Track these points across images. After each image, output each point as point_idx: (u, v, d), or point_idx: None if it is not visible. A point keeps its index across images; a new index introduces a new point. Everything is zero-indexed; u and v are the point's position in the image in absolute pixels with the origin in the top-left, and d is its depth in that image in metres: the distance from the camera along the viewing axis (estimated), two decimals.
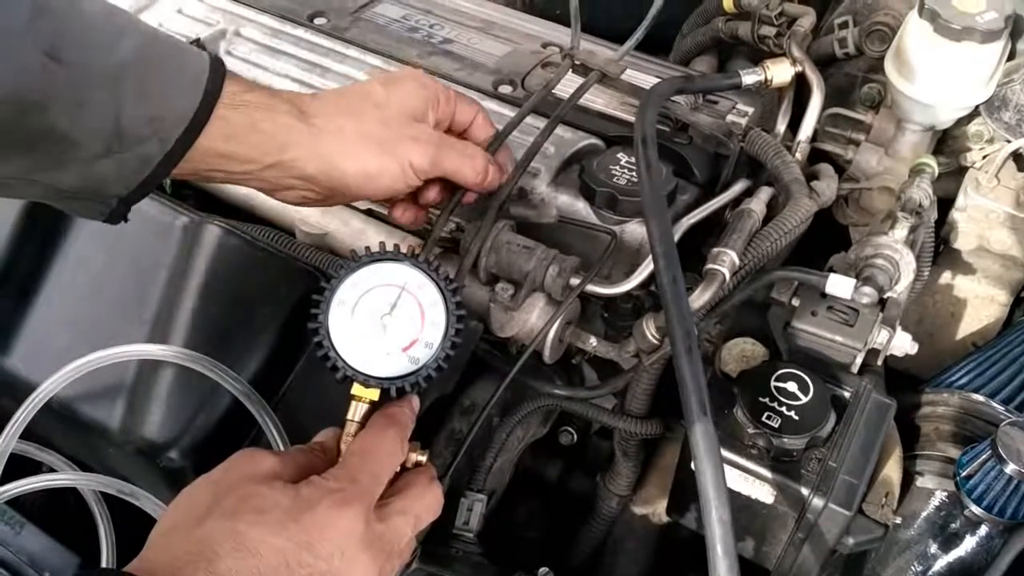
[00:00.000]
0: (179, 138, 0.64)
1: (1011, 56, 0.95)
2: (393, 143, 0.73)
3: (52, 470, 0.84)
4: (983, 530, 0.77)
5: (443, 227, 0.80)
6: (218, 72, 0.67)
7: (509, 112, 0.96)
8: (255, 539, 0.55)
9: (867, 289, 0.78)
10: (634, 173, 0.87)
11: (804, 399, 0.76)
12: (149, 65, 0.64)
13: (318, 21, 1.09)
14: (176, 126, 0.64)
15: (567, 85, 0.95)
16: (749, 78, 0.94)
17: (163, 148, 0.64)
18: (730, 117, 0.97)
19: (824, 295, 0.80)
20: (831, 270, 0.82)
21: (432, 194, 0.79)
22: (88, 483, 0.82)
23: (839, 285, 0.78)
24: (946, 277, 1.04)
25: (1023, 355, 0.89)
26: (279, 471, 0.60)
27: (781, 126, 0.97)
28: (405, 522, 0.63)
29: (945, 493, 0.79)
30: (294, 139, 0.70)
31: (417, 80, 0.77)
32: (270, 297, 0.80)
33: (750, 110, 0.99)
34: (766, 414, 0.75)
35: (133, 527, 0.77)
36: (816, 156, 0.99)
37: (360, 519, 0.58)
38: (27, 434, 0.77)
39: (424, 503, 0.65)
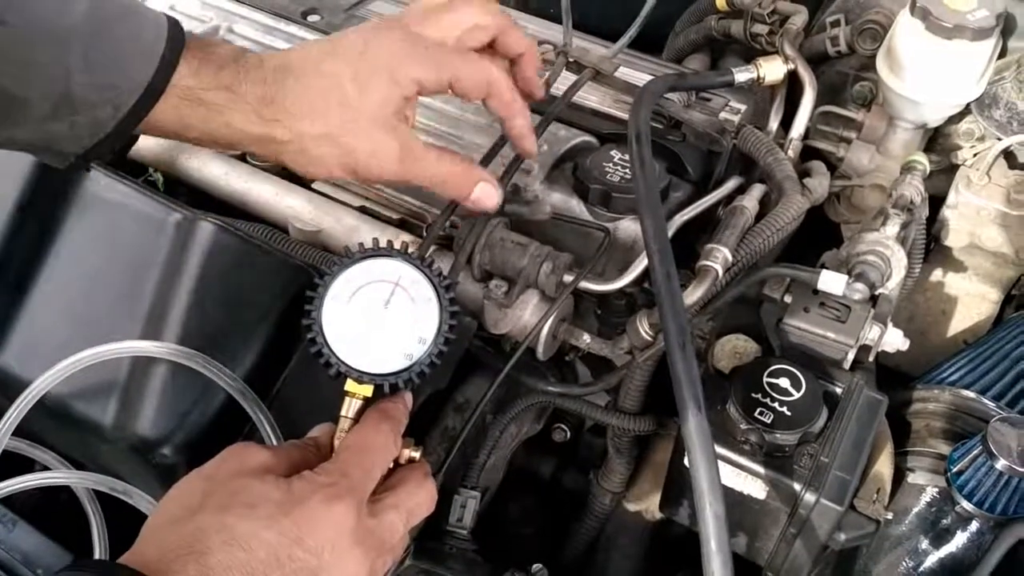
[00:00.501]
0: (132, 107, 0.64)
1: (1002, 54, 0.96)
2: (346, 154, 0.69)
3: (45, 468, 0.84)
4: (974, 526, 0.78)
5: (442, 226, 0.80)
6: (176, 39, 0.65)
7: None
8: (246, 533, 0.55)
9: (859, 285, 0.79)
10: (627, 170, 0.87)
11: (796, 395, 0.77)
12: (101, 29, 0.63)
13: (311, 18, 1.08)
14: (131, 95, 0.64)
15: (561, 82, 0.95)
16: (742, 76, 0.94)
17: (117, 114, 0.64)
18: (723, 115, 0.97)
19: (816, 291, 0.81)
20: (823, 267, 0.83)
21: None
22: (81, 481, 0.81)
23: (831, 281, 0.79)
24: (937, 274, 1.04)
25: (1014, 352, 0.90)
26: (271, 465, 0.60)
27: (773, 124, 0.97)
28: (398, 517, 0.63)
29: (936, 489, 0.80)
30: (249, 142, 0.69)
31: (393, 77, 0.68)
32: (264, 294, 0.80)
33: (743, 108, 0.99)
34: (758, 410, 0.76)
35: (126, 524, 0.77)
36: (808, 153, 0.99)
37: (351, 514, 0.58)
38: (20, 431, 0.77)
39: (417, 499, 0.65)
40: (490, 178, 0.75)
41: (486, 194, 0.75)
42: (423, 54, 0.70)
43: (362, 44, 0.69)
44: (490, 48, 0.76)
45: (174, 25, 0.66)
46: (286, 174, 0.97)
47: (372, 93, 0.68)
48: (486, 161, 0.83)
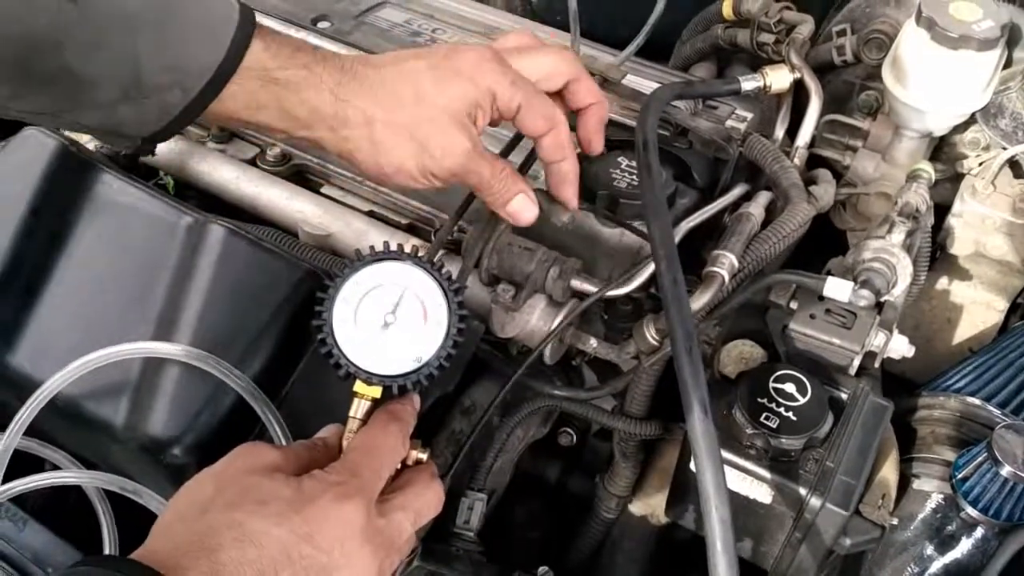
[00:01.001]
0: (201, 90, 0.64)
1: (1007, 64, 0.96)
2: (419, 147, 0.70)
3: (55, 467, 0.84)
4: (979, 532, 0.78)
5: (451, 230, 0.80)
6: (247, 23, 0.66)
7: None
8: (257, 530, 0.55)
9: (864, 292, 0.79)
10: (634, 176, 0.88)
11: (802, 400, 0.77)
12: (169, 12, 0.64)
13: (321, 25, 1.09)
14: (199, 78, 0.64)
15: None
16: (748, 84, 0.95)
17: (185, 98, 0.64)
18: (729, 122, 0.98)
19: (822, 298, 0.81)
20: (829, 273, 0.83)
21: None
22: (92, 481, 0.82)
23: (837, 288, 0.79)
24: (943, 283, 1.05)
25: (1019, 359, 0.90)
26: (281, 464, 0.61)
27: (780, 132, 0.98)
28: (405, 517, 0.63)
29: (941, 495, 0.80)
30: (319, 123, 0.70)
31: (472, 80, 0.70)
32: (273, 296, 0.81)
33: (749, 116, 1.00)
34: (764, 415, 0.76)
35: (135, 524, 0.77)
36: (814, 161, 1.00)
37: (361, 513, 0.59)
38: (32, 431, 0.77)
39: (425, 499, 0.66)
40: (530, 191, 0.77)
41: (524, 206, 0.77)
42: (504, 71, 0.72)
43: (448, 49, 0.73)
44: (559, 95, 0.79)
45: (245, 9, 0.67)
46: (296, 178, 0.98)
47: (449, 90, 0.70)
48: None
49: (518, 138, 0.86)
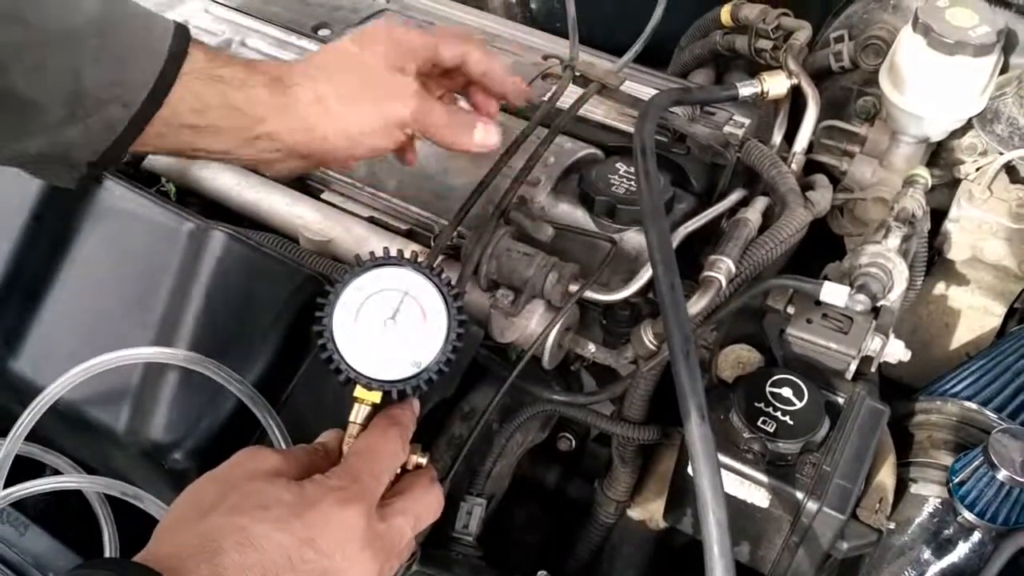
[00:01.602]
0: (143, 103, 0.64)
1: (1004, 70, 0.97)
2: (372, 101, 0.73)
3: (56, 471, 0.85)
4: (976, 536, 0.78)
5: (450, 236, 0.81)
6: (182, 37, 0.67)
7: (510, 121, 0.97)
8: (259, 534, 0.55)
9: (861, 297, 0.80)
10: (632, 182, 0.88)
11: (799, 404, 0.77)
12: (110, 27, 0.64)
13: (322, 32, 1.10)
14: (140, 90, 0.64)
15: (567, 96, 0.96)
16: (746, 90, 0.95)
17: (128, 112, 0.64)
18: (727, 128, 0.99)
19: (819, 303, 0.82)
20: (826, 278, 0.83)
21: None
22: (92, 486, 0.82)
23: (833, 293, 0.80)
24: (940, 287, 1.05)
25: (1016, 364, 0.91)
26: (282, 468, 0.61)
27: (777, 137, 0.99)
28: (406, 522, 0.64)
29: (938, 500, 0.80)
30: (270, 112, 0.70)
31: (391, 35, 0.76)
32: (274, 302, 0.81)
33: (747, 122, 1.00)
34: (761, 419, 0.76)
35: (136, 529, 0.78)
36: (811, 167, 1.00)
37: (362, 518, 0.59)
38: (34, 436, 0.78)
39: (425, 504, 0.66)
40: (487, 120, 0.79)
41: (488, 132, 0.78)
42: (410, 28, 0.78)
43: (360, 29, 0.77)
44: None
45: (179, 25, 0.68)
46: (296, 185, 0.98)
47: (376, 48, 0.74)
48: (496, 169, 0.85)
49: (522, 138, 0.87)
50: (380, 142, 0.75)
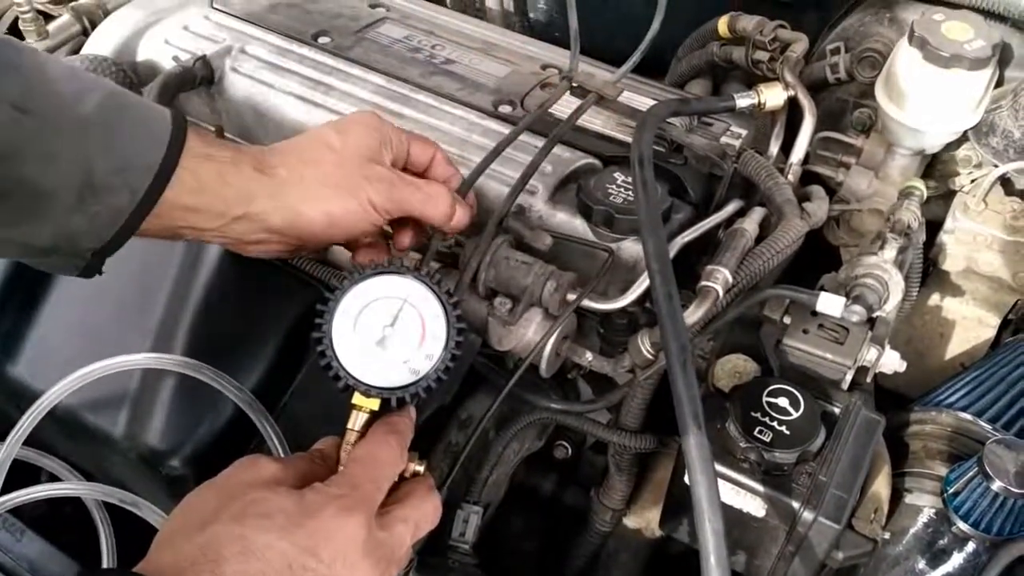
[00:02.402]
0: (148, 188, 0.67)
1: (999, 83, 0.97)
2: (351, 184, 0.75)
3: (53, 476, 0.85)
4: (970, 546, 0.78)
5: (440, 241, 0.81)
6: (180, 123, 0.70)
7: (508, 131, 0.98)
8: (260, 543, 0.56)
9: (857, 307, 0.80)
10: (630, 192, 0.89)
11: (795, 414, 0.78)
12: (114, 117, 0.67)
13: (322, 40, 1.10)
14: (145, 176, 0.66)
15: (566, 106, 0.97)
16: (743, 101, 0.96)
17: (134, 199, 0.66)
18: (724, 139, 0.99)
19: (815, 313, 0.82)
20: (822, 289, 0.84)
21: (406, 239, 0.82)
22: (91, 493, 0.82)
23: (829, 303, 0.80)
24: (935, 298, 1.06)
25: (1010, 375, 0.91)
26: (282, 477, 0.62)
27: (774, 148, 0.99)
28: (406, 530, 0.64)
29: (933, 510, 0.80)
30: (259, 191, 0.72)
31: (368, 123, 0.79)
32: (272, 309, 0.82)
33: (744, 132, 1.01)
34: (758, 428, 0.77)
35: (133, 535, 0.78)
36: (808, 178, 1.01)
37: (363, 526, 0.60)
38: (31, 441, 0.78)
39: (423, 511, 0.66)
40: (460, 199, 0.82)
41: (461, 215, 0.81)
42: (388, 121, 0.81)
43: (339, 119, 0.80)
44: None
45: (175, 112, 0.71)
46: None
47: (354, 137, 0.77)
48: (475, 175, 0.86)
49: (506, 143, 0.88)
50: (358, 224, 0.76)
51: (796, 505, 0.75)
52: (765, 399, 0.78)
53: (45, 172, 0.63)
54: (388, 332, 0.66)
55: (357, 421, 0.67)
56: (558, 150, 0.95)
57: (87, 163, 0.64)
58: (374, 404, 0.67)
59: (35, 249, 0.67)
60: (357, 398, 0.67)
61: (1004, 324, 1.05)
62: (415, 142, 0.82)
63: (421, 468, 0.69)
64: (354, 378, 0.66)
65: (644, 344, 0.82)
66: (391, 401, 0.67)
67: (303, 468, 0.64)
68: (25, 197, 0.63)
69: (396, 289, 0.67)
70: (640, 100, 1.03)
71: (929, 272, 1.02)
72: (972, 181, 1.00)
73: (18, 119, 0.62)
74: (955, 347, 1.07)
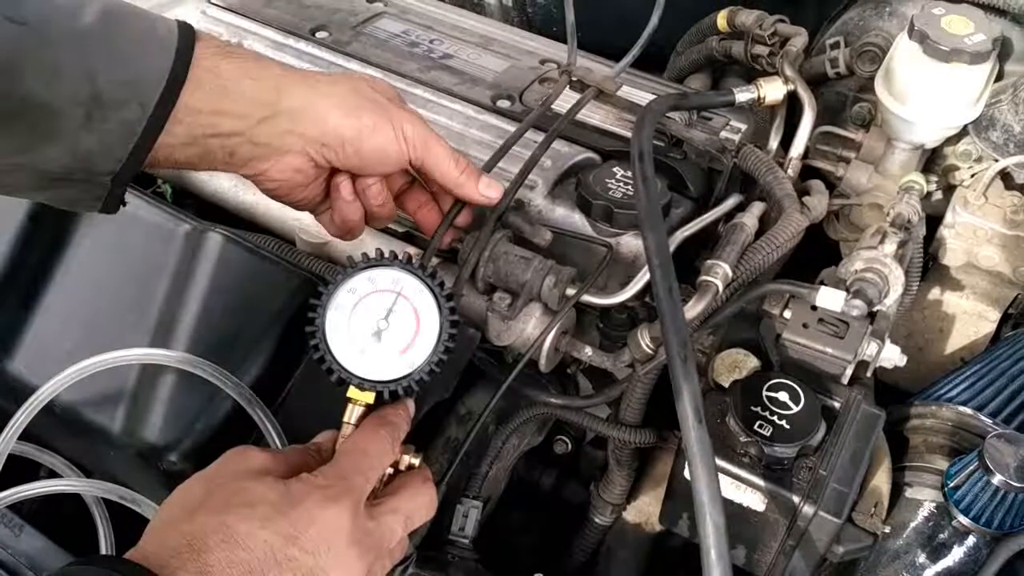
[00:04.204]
0: (159, 100, 0.64)
1: (999, 77, 0.97)
2: (384, 106, 0.75)
3: (52, 472, 0.84)
4: (971, 540, 0.78)
5: (443, 235, 0.81)
6: (187, 32, 0.67)
7: (507, 126, 0.98)
8: (243, 532, 0.56)
9: (857, 302, 0.80)
10: (630, 186, 0.89)
11: (795, 409, 0.78)
12: (116, 29, 0.64)
13: (320, 35, 1.10)
14: (154, 88, 0.64)
15: (565, 101, 0.97)
16: (742, 96, 0.96)
17: (145, 112, 0.64)
18: (724, 133, 0.99)
19: (815, 308, 0.82)
20: (822, 283, 0.84)
21: (432, 214, 0.81)
22: (90, 489, 0.82)
23: (829, 298, 0.80)
24: (935, 293, 1.06)
25: (1010, 369, 0.91)
26: (270, 467, 0.62)
27: (773, 143, 0.99)
28: (396, 520, 0.64)
29: (933, 504, 0.80)
30: (289, 86, 0.71)
31: (386, 82, 0.80)
32: (270, 304, 0.81)
33: (743, 127, 1.01)
34: (758, 423, 0.76)
35: (132, 530, 0.77)
36: (807, 172, 1.01)
37: (347, 515, 0.59)
38: (30, 437, 0.78)
39: (416, 503, 0.66)
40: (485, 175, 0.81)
41: (491, 185, 0.80)
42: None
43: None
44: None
45: (182, 23, 0.68)
46: None
47: (379, 82, 0.78)
48: (487, 168, 0.86)
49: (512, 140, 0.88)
50: (387, 150, 0.75)
51: (796, 499, 0.75)
52: (765, 393, 0.78)
53: (49, 87, 0.61)
54: (382, 325, 0.66)
55: (352, 414, 0.67)
56: (557, 144, 0.95)
57: (91, 76, 0.62)
58: (369, 397, 0.67)
59: (49, 177, 0.65)
60: (352, 391, 0.67)
61: (1004, 318, 1.05)
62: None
63: (416, 461, 0.69)
64: (348, 371, 0.65)
65: (644, 339, 0.81)
66: (385, 394, 0.66)
67: (295, 460, 0.64)
68: (31, 116, 0.61)
69: (389, 282, 0.67)
70: (639, 95, 1.03)
71: (929, 267, 1.02)
72: (972, 175, 1.00)
73: (16, 32, 0.60)
74: (955, 341, 1.06)
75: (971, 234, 0.98)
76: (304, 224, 0.93)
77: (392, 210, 0.81)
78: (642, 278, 0.83)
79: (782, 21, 1.05)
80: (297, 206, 0.79)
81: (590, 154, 0.97)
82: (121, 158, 0.65)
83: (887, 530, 0.80)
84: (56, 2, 0.63)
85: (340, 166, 0.76)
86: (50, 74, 0.61)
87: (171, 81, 0.65)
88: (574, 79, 0.99)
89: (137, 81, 0.64)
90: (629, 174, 0.89)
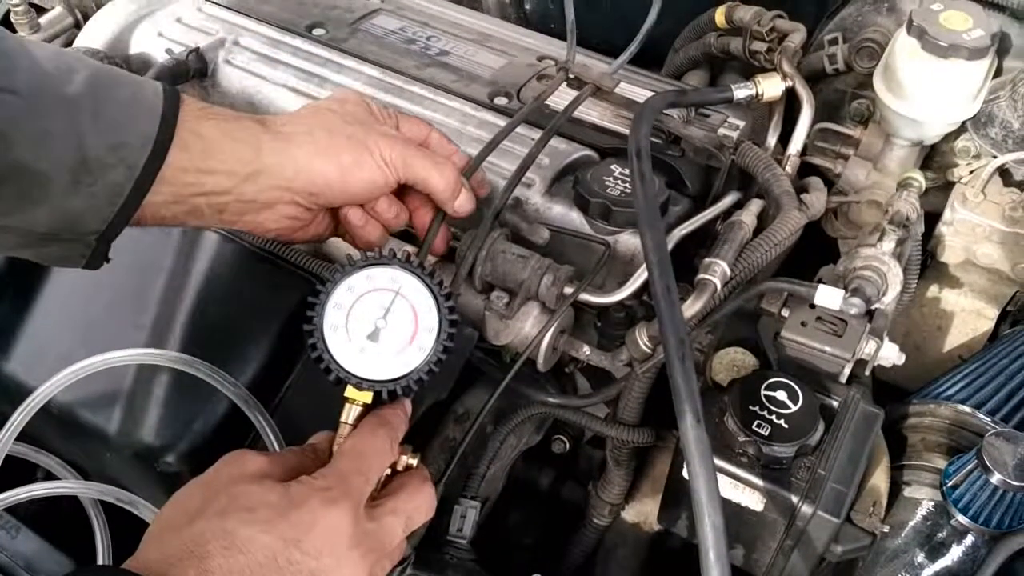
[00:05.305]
0: (145, 163, 0.66)
1: (997, 73, 0.97)
2: (361, 138, 0.75)
3: (49, 473, 0.84)
4: (969, 539, 0.78)
5: (437, 232, 0.81)
6: (172, 95, 0.69)
7: (504, 123, 0.97)
8: (244, 537, 0.56)
9: (855, 300, 0.79)
10: (627, 184, 0.88)
11: (793, 408, 0.77)
12: (103, 94, 0.66)
13: (316, 32, 1.10)
14: (141, 151, 0.66)
15: (562, 98, 0.96)
16: (740, 92, 0.95)
17: (131, 175, 0.65)
18: (721, 130, 0.99)
19: (813, 306, 0.82)
20: (820, 281, 0.83)
21: (424, 215, 0.81)
22: (87, 492, 0.82)
23: (828, 296, 0.79)
24: (933, 290, 1.05)
25: (1009, 367, 0.91)
26: (268, 470, 0.61)
27: (772, 140, 0.99)
28: (396, 521, 0.64)
29: (932, 503, 0.80)
30: (268, 144, 0.72)
31: (354, 96, 0.80)
32: (268, 303, 0.81)
33: (741, 124, 1.00)
34: (756, 422, 0.76)
35: (129, 532, 0.77)
36: (806, 170, 1.00)
37: (348, 517, 0.59)
38: (26, 438, 0.78)
39: (415, 503, 0.66)
40: (464, 181, 0.81)
41: (464, 197, 0.80)
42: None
43: (323, 98, 0.81)
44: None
45: (167, 87, 0.69)
46: None
47: (350, 104, 0.79)
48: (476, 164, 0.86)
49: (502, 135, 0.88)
50: (372, 179, 0.75)
51: (795, 499, 0.75)
52: (763, 392, 0.78)
53: (37, 153, 0.62)
54: (380, 325, 0.66)
55: (350, 414, 0.67)
56: (555, 142, 0.94)
57: (79, 141, 0.63)
58: (367, 397, 0.66)
59: (35, 236, 0.65)
60: (350, 391, 0.66)
61: (1002, 316, 1.04)
62: (404, 120, 0.82)
63: (414, 461, 0.69)
64: (345, 371, 0.65)
65: (642, 338, 0.81)
66: (383, 394, 0.66)
67: (292, 462, 0.64)
68: (20, 181, 0.62)
69: (388, 281, 0.67)
70: (637, 91, 1.02)
71: (927, 264, 1.02)
72: (971, 172, 0.99)
73: (6, 101, 0.61)
74: (953, 339, 1.06)
75: (969, 231, 0.98)
76: None
77: (406, 215, 0.82)
78: (640, 276, 0.83)
79: (780, 17, 1.05)
80: (309, 243, 0.81)
81: (588, 152, 0.97)
82: (107, 218, 0.66)
83: (885, 529, 0.79)
84: (46, 70, 0.64)
85: (331, 205, 0.78)
86: (39, 141, 0.62)
87: (158, 144, 0.66)
88: (571, 76, 0.98)
89: (124, 145, 0.65)
90: (627, 172, 0.89)
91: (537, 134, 0.91)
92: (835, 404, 0.81)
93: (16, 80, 0.62)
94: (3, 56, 0.62)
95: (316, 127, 0.75)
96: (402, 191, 0.82)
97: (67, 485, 0.82)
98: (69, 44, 1.12)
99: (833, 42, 1.03)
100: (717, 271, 0.81)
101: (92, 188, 0.64)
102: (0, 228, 0.64)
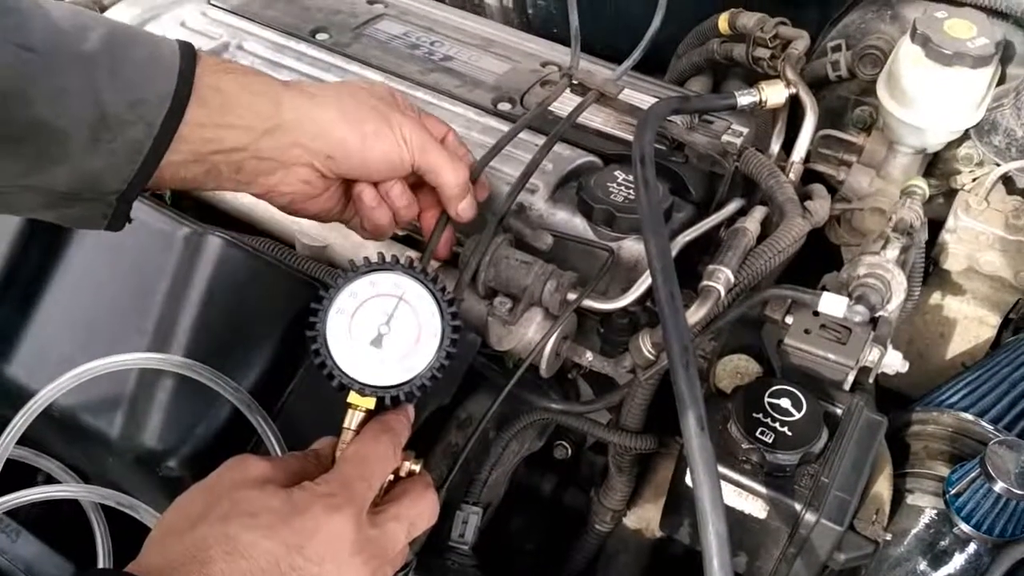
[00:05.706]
0: (164, 119, 0.65)
1: (1001, 81, 0.97)
2: (386, 111, 0.76)
3: (50, 477, 0.84)
4: (972, 548, 0.78)
5: (439, 237, 0.81)
6: (189, 51, 0.68)
7: (508, 128, 0.97)
8: (247, 542, 0.55)
9: (859, 308, 0.79)
10: (631, 190, 0.88)
11: (797, 415, 0.77)
12: (120, 52, 0.65)
13: (320, 36, 1.10)
14: (159, 108, 0.65)
15: (566, 104, 0.96)
16: (744, 99, 0.95)
17: (150, 132, 0.65)
18: (725, 137, 0.99)
19: (817, 313, 0.82)
20: (824, 289, 0.83)
21: (430, 215, 0.81)
22: (88, 495, 0.82)
23: (832, 303, 0.79)
24: (936, 298, 1.05)
25: (1012, 375, 0.91)
26: (271, 476, 0.61)
27: (775, 146, 0.99)
28: (399, 528, 0.63)
29: (935, 511, 0.80)
30: (290, 100, 0.72)
31: (385, 84, 0.81)
32: (270, 308, 0.81)
33: (745, 130, 1.00)
34: (760, 429, 0.76)
35: (129, 536, 0.77)
36: (809, 176, 1.00)
37: (351, 523, 0.59)
38: (28, 442, 0.77)
39: (418, 510, 0.66)
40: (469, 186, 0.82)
41: (467, 202, 0.81)
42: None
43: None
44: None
45: (184, 43, 0.69)
46: None
47: (378, 86, 0.79)
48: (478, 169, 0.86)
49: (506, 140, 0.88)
50: (390, 155, 0.76)
51: (798, 507, 0.75)
52: (767, 400, 0.78)
53: (56, 111, 0.62)
54: (383, 330, 0.66)
55: (353, 420, 0.67)
56: (558, 148, 0.94)
57: (97, 98, 0.63)
58: (370, 403, 0.66)
59: (57, 195, 0.65)
60: (353, 397, 0.66)
61: (1005, 323, 1.04)
62: (425, 115, 0.82)
63: (417, 467, 0.69)
64: (348, 377, 0.65)
65: (645, 344, 0.81)
66: (386, 400, 0.66)
67: (295, 467, 0.64)
68: (39, 139, 0.62)
69: (391, 286, 0.66)
70: (640, 98, 1.02)
71: (930, 271, 1.02)
72: (974, 180, 0.99)
73: (24, 58, 0.61)
74: (956, 347, 1.06)
75: (972, 239, 0.98)
76: (304, 227, 0.93)
77: (417, 209, 0.82)
78: (643, 283, 0.83)
79: (784, 24, 1.05)
80: (317, 218, 0.80)
81: (591, 158, 0.96)
82: (127, 177, 0.66)
83: (888, 537, 0.79)
84: (62, 27, 0.64)
85: (347, 175, 0.77)
86: (57, 98, 0.62)
87: (176, 100, 0.66)
88: (575, 82, 0.98)
89: (143, 101, 0.65)
90: (630, 178, 0.89)
91: (541, 140, 0.91)
92: (839, 412, 0.80)
93: (32, 37, 0.61)
94: (19, 13, 0.62)
95: (343, 93, 0.75)
96: (413, 190, 0.81)
97: (68, 489, 0.82)
98: None
99: (836, 49, 1.03)
100: (721, 278, 0.81)
101: (112, 145, 0.64)
102: (22, 188, 0.64)
